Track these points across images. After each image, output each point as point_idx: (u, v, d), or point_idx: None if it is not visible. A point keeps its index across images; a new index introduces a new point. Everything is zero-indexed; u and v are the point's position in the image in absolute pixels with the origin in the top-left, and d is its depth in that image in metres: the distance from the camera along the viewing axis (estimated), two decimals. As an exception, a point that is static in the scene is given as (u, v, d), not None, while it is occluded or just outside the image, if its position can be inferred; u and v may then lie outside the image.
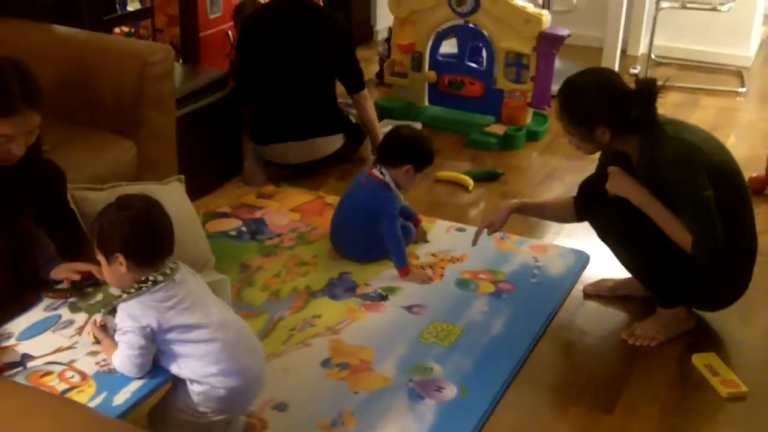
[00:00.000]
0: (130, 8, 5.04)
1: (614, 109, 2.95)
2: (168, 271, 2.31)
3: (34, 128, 2.52)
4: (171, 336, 2.26)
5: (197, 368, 2.28)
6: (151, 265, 2.29)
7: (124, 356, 2.25)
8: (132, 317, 2.24)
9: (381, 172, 3.55)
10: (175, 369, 2.30)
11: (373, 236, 3.56)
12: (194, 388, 2.29)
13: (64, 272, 2.55)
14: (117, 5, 4.61)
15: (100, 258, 2.32)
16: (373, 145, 4.53)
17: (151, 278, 2.27)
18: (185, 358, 2.28)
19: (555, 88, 4.60)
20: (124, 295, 2.28)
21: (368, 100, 4.59)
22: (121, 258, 2.26)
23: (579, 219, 3.37)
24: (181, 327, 2.26)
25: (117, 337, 2.28)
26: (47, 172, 2.78)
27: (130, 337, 2.23)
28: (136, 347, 2.23)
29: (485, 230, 3.44)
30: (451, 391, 2.83)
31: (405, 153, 3.57)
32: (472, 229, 3.80)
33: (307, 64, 4.32)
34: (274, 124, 4.35)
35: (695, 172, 2.86)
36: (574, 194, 3.40)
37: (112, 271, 2.30)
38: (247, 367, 2.35)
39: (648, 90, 2.94)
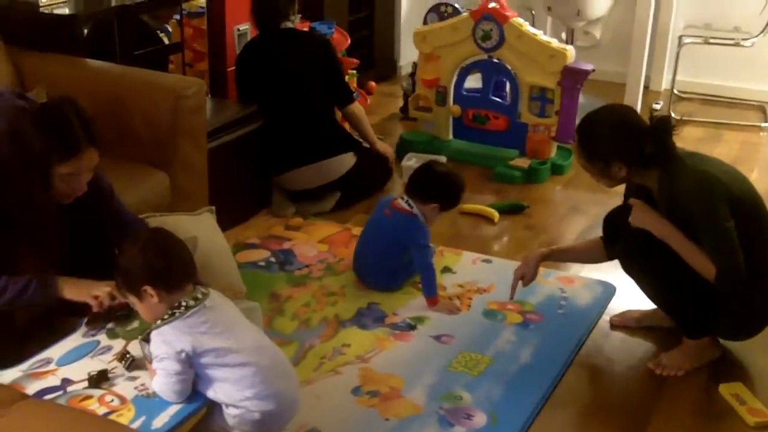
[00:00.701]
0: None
1: (629, 147, 3.00)
2: (199, 296, 2.36)
3: (95, 164, 2.61)
4: (206, 360, 2.30)
5: (232, 392, 2.32)
6: (179, 288, 2.35)
7: (162, 383, 2.30)
8: (166, 343, 2.29)
9: (408, 204, 3.60)
10: (211, 393, 2.34)
11: (395, 264, 3.63)
12: (230, 412, 2.34)
13: None
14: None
15: (132, 298, 2.39)
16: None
17: (183, 303, 2.33)
18: (221, 383, 2.32)
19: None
20: (158, 322, 2.32)
21: (361, 111, 4.67)
22: (149, 289, 2.33)
23: (609, 257, 3.39)
24: (215, 351, 2.30)
25: (154, 365, 2.32)
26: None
27: (166, 363, 2.28)
28: (173, 373, 2.28)
29: (520, 282, 3.48)
30: (480, 419, 2.86)
31: (436, 192, 3.63)
32: (498, 261, 3.88)
33: (304, 89, 4.41)
34: (283, 152, 4.42)
35: (715, 203, 2.89)
36: (601, 234, 3.43)
37: (146, 306, 2.37)
38: (281, 392, 2.39)
39: (662, 126, 2.98)
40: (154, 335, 2.33)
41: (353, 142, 4.61)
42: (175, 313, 2.32)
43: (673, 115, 2.96)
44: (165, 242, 2.41)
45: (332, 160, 4.43)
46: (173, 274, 2.36)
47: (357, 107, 4.66)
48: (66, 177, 2.55)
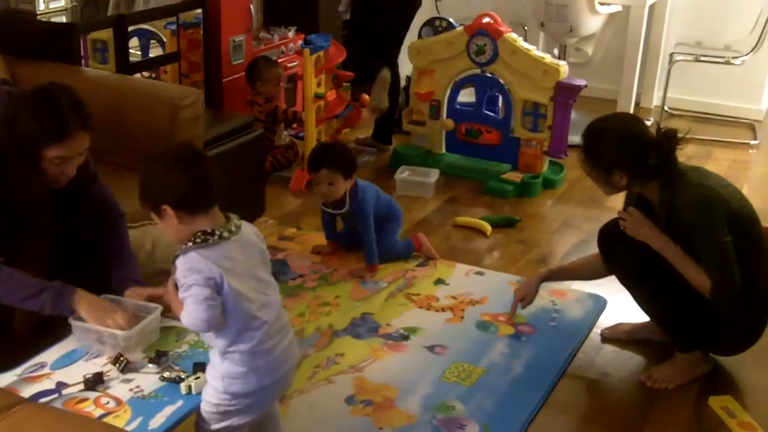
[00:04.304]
0: (152, 54, 5.17)
1: (632, 157, 3.01)
2: (233, 229, 2.26)
3: (85, 149, 2.62)
4: (223, 296, 2.19)
5: (227, 338, 2.24)
6: (203, 211, 2.23)
7: (191, 311, 2.19)
8: (194, 271, 2.18)
9: None
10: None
11: None
12: (210, 399, 2.29)
13: (133, 295, 2.63)
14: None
15: (154, 216, 2.28)
16: None
17: (217, 233, 2.22)
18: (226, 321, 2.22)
19: (571, 137, 4.72)
20: (189, 244, 2.20)
21: None
22: (168, 209, 2.22)
23: (610, 272, 3.40)
24: (233, 291, 2.19)
25: (181, 295, 2.21)
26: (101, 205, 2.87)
27: (194, 290, 2.18)
28: (202, 299, 2.17)
29: (520, 304, 3.50)
30: (473, 429, 2.88)
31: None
32: (490, 273, 3.90)
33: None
34: None
35: (715, 217, 2.92)
36: (594, 250, 3.44)
37: (166, 225, 2.26)
38: (275, 352, 2.30)
39: (667, 140, 3.01)
40: (181, 262, 2.20)
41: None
42: (208, 239, 2.20)
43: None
44: (191, 162, 2.26)
45: None
46: (197, 197, 2.23)
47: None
48: (56, 160, 2.55)
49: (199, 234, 2.22)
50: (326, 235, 4.12)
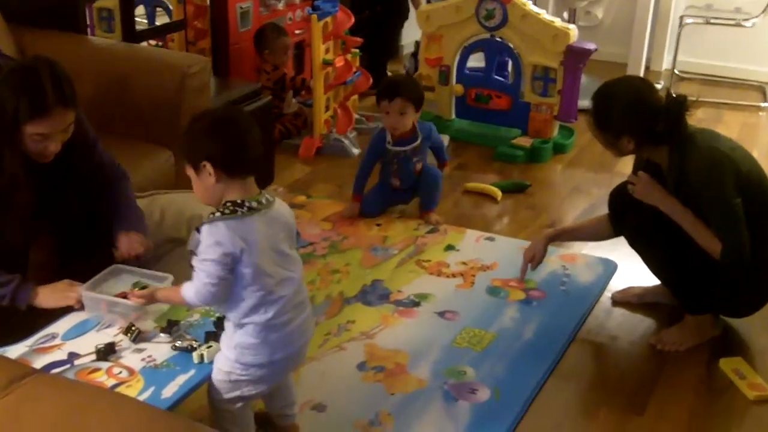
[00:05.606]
0: (158, 22, 5.15)
1: (640, 124, 2.99)
2: (264, 201, 2.26)
3: (68, 125, 2.56)
4: (242, 269, 2.20)
5: (242, 308, 2.25)
6: (240, 175, 2.23)
7: (200, 284, 2.20)
8: (217, 243, 2.17)
9: None
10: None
11: None
12: (223, 368, 2.31)
13: (125, 245, 2.66)
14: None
15: (189, 171, 2.27)
16: None
17: (247, 204, 2.21)
18: (240, 291, 2.24)
19: (581, 102, 4.70)
20: (217, 213, 2.20)
21: None
22: (209, 166, 2.21)
23: (617, 233, 3.40)
24: (255, 267, 2.20)
25: (195, 263, 2.22)
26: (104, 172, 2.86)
27: (209, 265, 2.18)
28: (215, 276, 2.18)
29: (530, 266, 3.48)
30: (484, 394, 2.88)
31: None
32: (501, 239, 3.90)
33: None
34: None
35: (724, 180, 2.91)
36: (605, 212, 3.44)
37: (201, 183, 2.25)
38: (290, 326, 2.31)
39: (677, 107, 2.98)
40: (206, 231, 2.19)
41: None
42: (237, 211, 2.20)
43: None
44: (240, 124, 2.27)
45: None
46: (238, 157, 2.23)
47: None
48: (36, 137, 2.50)
49: (229, 204, 2.21)
50: (355, 188, 4.14)
